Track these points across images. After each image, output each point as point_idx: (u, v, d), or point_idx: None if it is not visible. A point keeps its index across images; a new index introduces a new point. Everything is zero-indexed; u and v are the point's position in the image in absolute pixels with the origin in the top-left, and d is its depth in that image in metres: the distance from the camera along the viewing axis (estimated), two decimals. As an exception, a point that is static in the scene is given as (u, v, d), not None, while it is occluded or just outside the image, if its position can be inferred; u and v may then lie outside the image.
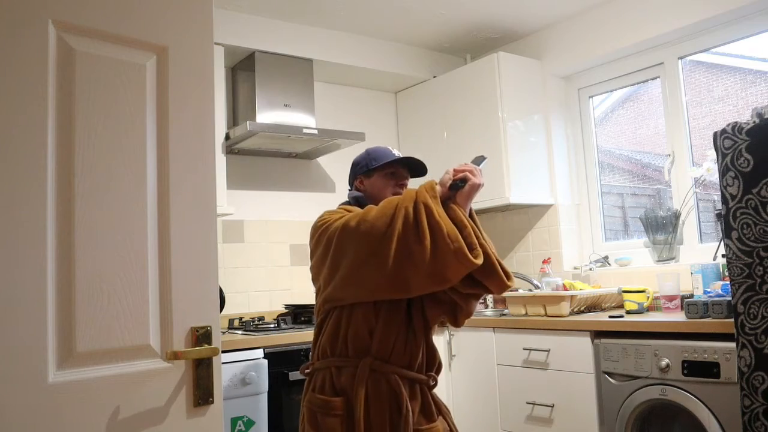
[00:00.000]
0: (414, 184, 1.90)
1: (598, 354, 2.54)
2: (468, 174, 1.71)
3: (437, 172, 3.97)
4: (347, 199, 2.00)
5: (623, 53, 3.25)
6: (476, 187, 1.71)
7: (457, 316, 1.81)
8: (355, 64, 3.56)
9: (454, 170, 1.73)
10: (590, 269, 3.29)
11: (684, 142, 3.07)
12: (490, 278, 1.68)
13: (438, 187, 1.70)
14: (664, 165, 3.16)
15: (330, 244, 1.72)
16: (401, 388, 1.71)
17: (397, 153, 2.00)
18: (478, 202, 3.44)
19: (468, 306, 1.80)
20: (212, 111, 1.44)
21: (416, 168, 2.01)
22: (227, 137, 3.10)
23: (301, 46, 3.38)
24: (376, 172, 1.97)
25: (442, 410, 1.81)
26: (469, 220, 1.68)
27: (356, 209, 1.84)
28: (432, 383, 1.80)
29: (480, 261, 1.62)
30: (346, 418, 1.70)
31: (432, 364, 1.83)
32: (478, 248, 1.62)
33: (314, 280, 1.85)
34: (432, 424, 1.74)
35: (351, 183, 2.05)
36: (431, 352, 1.83)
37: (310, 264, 1.86)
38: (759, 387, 1.93)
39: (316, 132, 3.14)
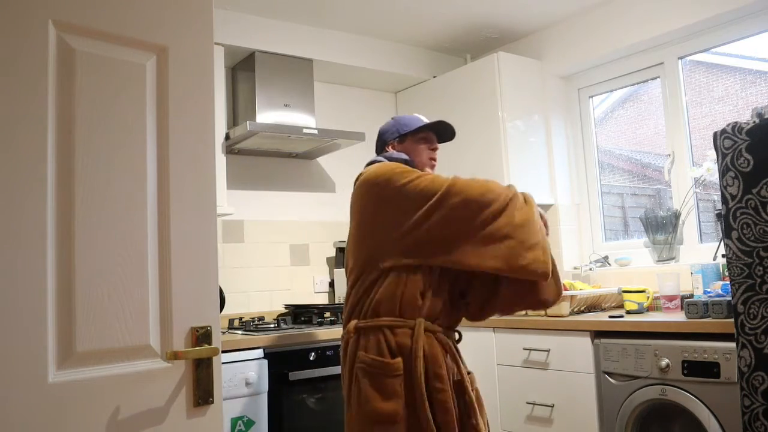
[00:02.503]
0: (443, 147, 2.06)
1: (598, 354, 2.54)
2: None
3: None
4: (387, 160, 1.95)
5: (623, 53, 3.25)
6: None
7: (483, 308, 1.92)
8: (355, 64, 3.56)
9: None
10: (590, 269, 3.29)
11: (684, 142, 3.07)
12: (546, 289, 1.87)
13: None
14: (664, 165, 3.16)
15: (438, 205, 1.72)
16: (450, 343, 1.83)
17: (425, 119, 2.05)
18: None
19: (505, 306, 1.89)
20: (212, 111, 1.44)
21: (445, 134, 2.06)
22: (227, 137, 3.10)
23: (301, 46, 3.38)
24: (408, 138, 2.01)
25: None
26: None
27: (415, 171, 1.84)
28: (458, 338, 1.95)
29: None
30: (406, 377, 1.76)
31: (458, 323, 1.96)
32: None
33: (369, 234, 1.82)
34: (471, 373, 1.90)
35: (380, 152, 2.07)
36: (458, 313, 1.95)
37: (358, 217, 1.84)
38: (759, 387, 1.93)
39: (316, 132, 3.14)
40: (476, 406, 1.81)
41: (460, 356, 1.88)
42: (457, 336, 1.95)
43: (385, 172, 1.82)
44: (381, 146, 2.06)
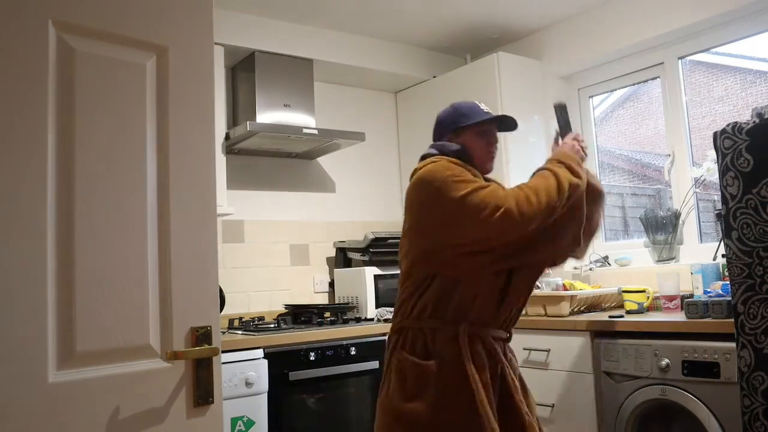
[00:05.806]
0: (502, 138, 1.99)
1: (598, 354, 2.54)
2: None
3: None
4: (442, 152, 1.85)
5: (623, 53, 3.25)
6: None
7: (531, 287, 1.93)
8: (355, 64, 3.56)
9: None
10: (590, 269, 3.28)
11: (684, 142, 3.07)
12: None
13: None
14: (664, 165, 3.16)
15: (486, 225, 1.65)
16: (495, 347, 1.76)
17: (485, 108, 1.91)
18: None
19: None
20: (212, 111, 1.45)
21: (505, 124, 1.94)
22: (227, 137, 3.10)
23: (301, 46, 3.38)
24: (467, 131, 1.88)
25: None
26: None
27: (469, 178, 1.74)
28: (508, 336, 1.87)
29: None
30: (439, 381, 1.69)
31: (515, 321, 1.89)
32: None
33: (422, 235, 1.76)
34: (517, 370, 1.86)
35: (437, 140, 1.93)
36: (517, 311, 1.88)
37: (413, 217, 1.77)
38: (759, 387, 1.93)
39: (316, 132, 3.14)
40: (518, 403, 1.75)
41: (510, 355, 1.85)
42: (506, 336, 1.86)
43: (439, 178, 1.73)
44: (438, 135, 1.93)
